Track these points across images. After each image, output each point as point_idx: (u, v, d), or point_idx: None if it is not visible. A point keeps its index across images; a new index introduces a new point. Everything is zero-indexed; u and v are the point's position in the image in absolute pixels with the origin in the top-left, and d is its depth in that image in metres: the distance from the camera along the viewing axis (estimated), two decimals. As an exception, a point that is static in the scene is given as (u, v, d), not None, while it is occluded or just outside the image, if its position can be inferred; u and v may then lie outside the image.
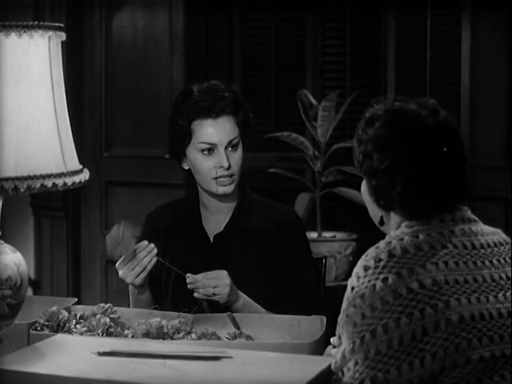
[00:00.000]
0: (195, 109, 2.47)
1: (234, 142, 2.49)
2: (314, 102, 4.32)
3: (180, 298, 2.45)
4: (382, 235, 1.85)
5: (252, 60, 4.78)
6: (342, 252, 4.24)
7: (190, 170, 2.54)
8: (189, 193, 2.64)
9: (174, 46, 4.88)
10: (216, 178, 2.48)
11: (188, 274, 2.37)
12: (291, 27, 4.70)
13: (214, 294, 2.36)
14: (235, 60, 4.77)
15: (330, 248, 4.20)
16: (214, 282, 2.36)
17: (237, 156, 2.50)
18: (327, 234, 4.36)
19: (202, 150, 2.48)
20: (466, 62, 4.36)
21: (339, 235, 4.36)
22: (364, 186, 1.88)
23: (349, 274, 4.71)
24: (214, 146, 2.47)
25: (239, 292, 2.41)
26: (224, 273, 2.37)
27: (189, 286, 2.37)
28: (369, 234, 4.23)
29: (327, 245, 4.21)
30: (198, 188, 2.57)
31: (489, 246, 1.80)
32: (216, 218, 2.56)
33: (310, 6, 4.62)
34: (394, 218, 1.84)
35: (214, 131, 2.47)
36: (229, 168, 2.47)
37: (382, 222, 1.87)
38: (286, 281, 2.49)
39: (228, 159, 2.47)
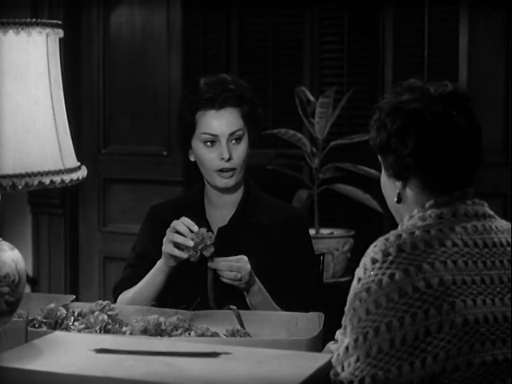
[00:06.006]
0: (199, 99, 2.48)
1: (236, 134, 2.49)
2: (311, 98, 4.32)
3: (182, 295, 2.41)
4: (380, 232, 1.85)
5: (249, 56, 4.77)
6: (339, 249, 4.23)
7: (195, 162, 2.54)
8: (192, 187, 2.63)
9: (172, 42, 4.88)
10: (218, 171, 2.48)
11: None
12: (289, 23, 4.69)
13: (239, 280, 2.34)
14: (233, 56, 4.76)
15: (327, 245, 4.19)
16: (237, 268, 2.34)
17: (240, 149, 2.50)
18: (325, 231, 4.36)
19: (205, 142, 2.49)
20: (464, 59, 4.36)
21: (337, 232, 4.36)
22: (383, 175, 1.89)
23: (347, 271, 4.71)
24: (216, 138, 2.48)
25: (254, 276, 2.39)
26: (246, 258, 2.36)
27: (209, 264, 2.35)
28: (366, 231, 4.26)
29: (325, 241, 4.21)
30: (204, 181, 2.57)
31: (501, 244, 1.78)
32: (220, 212, 2.56)
33: (307, 3, 4.61)
34: (409, 195, 1.83)
35: (217, 122, 2.47)
36: (229, 160, 2.47)
37: (399, 199, 1.85)
38: (289, 279, 2.48)
39: (229, 151, 2.47)
